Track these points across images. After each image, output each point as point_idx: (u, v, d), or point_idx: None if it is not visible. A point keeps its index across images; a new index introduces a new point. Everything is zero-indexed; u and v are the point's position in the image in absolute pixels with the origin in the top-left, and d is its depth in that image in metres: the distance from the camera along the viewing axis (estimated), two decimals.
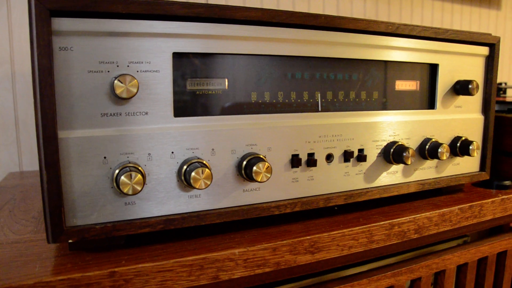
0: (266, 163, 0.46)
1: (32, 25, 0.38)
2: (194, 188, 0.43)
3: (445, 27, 1.31)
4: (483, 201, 0.63)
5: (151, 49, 0.43)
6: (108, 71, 0.41)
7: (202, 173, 0.43)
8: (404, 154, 0.54)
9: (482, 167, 0.66)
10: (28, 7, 0.39)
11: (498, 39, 0.64)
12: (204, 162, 0.44)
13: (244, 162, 0.46)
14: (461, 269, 0.70)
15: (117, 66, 0.42)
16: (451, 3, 1.30)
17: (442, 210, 0.59)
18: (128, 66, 0.42)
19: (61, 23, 0.39)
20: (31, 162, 0.88)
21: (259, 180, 0.45)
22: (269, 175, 0.46)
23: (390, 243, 0.55)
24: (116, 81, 0.40)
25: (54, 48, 0.39)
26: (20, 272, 0.40)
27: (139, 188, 0.41)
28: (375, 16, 1.19)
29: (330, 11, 1.13)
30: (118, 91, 0.40)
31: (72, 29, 0.40)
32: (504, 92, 1.09)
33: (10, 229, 0.51)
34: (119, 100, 0.42)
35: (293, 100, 0.51)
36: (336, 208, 0.58)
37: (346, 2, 1.14)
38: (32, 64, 0.39)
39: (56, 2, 0.38)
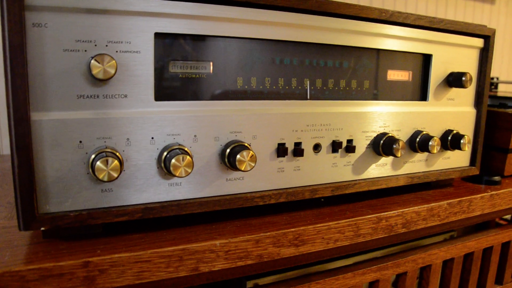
0: (251, 152, 0.44)
1: None
2: (174, 176, 0.41)
3: None
4: (472, 197, 0.62)
5: (132, 29, 0.41)
6: (85, 51, 0.39)
7: (183, 160, 0.41)
8: (394, 146, 0.53)
9: (473, 161, 0.65)
10: None
11: (493, 31, 0.62)
12: (186, 149, 0.42)
13: (228, 150, 0.44)
14: (447, 264, 0.70)
15: (95, 45, 0.39)
16: None
17: (431, 204, 0.58)
18: (106, 45, 0.40)
19: None
20: None
21: (242, 169, 0.43)
22: (253, 164, 0.44)
23: (377, 237, 0.54)
24: (93, 61, 0.38)
25: (26, 24, 0.37)
26: None
27: (115, 175, 0.39)
28: (369, 4, 1.17)
29: None
30: (94, 72, 0.38)
31: (46, 4, 0.37)
32: (496, 87, 1.08)
33: None
34: (96, 81, 0.40)
35: (280, 87, 0.49)
36: (322, 199, 0.57)
37: None
38: (3, 41, 0.37)
39: None
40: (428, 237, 0.71)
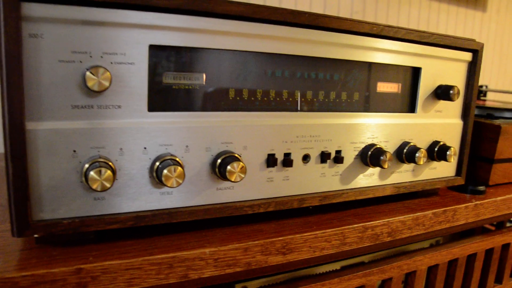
0: (241, 163, 0.45)
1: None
2: (166, 186, 0.42)
3: (432, 26, 1.31)
4: (457, 206, 0.64)
5: (127, 40, 0.41)
6: (81, 61, 0.40)
7: (174, 171, 0.42)
8: (382, 157, 0.54)
9: (458, 172, 0.67)
10: None
11: (481, 46, 0.63)
12: (177, 159, 0.43)
13: (219, 161, 0.46)
14: (432, 270, 0.71)
15: (90, 56, 0.40)
16: (438, 2, 1.30)
17: (416, 214, 0.59)
18: (101, 57, 0.41)
19: (31, 8, 0.37)
20: (1, 143, 0.85)
21: (232, 180, 0.44)
22: (243, 175, 0.45)
23: (363, 245, 0.56)
24: (88, 73, 0.38)
25: (23, 34, 0.37)
26: None
27: (108, 185, 0.39)
28: (362, 11, 1.18)
29: (317, 5, 1.12)
30: (89, 84, 0.38)
31: (43, 15, 0.38)
32: (485, 95, 1.10)
33: None
34: (91, 92, 0.40)
35: (272, 99, 0.50)
36: (310, 207, 0.58)
37: None
38: None
39: None
40: (413, 242, 0.73)
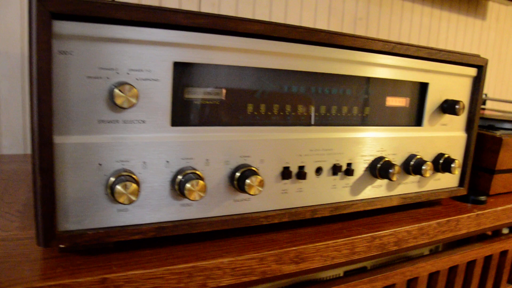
0: (259, 177, 0.46)
1: (32, 27, 0.37)
2: (189, 199, 0.43)
3: (433, 33, 1.34)
4: (460, 216, 0.66)
5: (152, 58, 0.43)
6: (108, 78, 0.41)
7: (197, 185, 0.43)
8: (391, 170, 0.56)
9: (461, 183, 0.69)
10: (28, 9, 0.38)
11: (486, 61, 0.65)
12: (198, 173, 0.45)
13: (237, 174, 0.47)
14: (433, 276, 0.74)
15: (117, 73, 0.41)
16: (440, 10, 1.32)
17: (421, 224, 0.61)
18: (128, 73, 0.42)
19: (62, 27, 0.38)
20: (11, 144, 0.86)
21: (251, 193, 0.46)
22: (261, 189, 0.47)
23: (371, 254, 0.58)
24: (116, 90, 0.40)
25: (53, 51, 0.39)
26: (10, 275, 0.39)
27: (134, 198, 0.41)
28: (366, 18, 1.20)
29: (322, 11, 1.13)
30: (118, 101, 0.40)
31: (73, 33, 0.39)
32: (484, 103, 1.12)
33: None
34: (117, 107, 0.42)
35: (287, 113, 0.52)
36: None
37: (338, 3, 1.15)
38: (30, 66, 0.38)
39: (58, 4, 0.38)
40: (414, 249, 0.75)
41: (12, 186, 0.65)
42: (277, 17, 1.07)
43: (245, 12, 1.03)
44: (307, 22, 1.11)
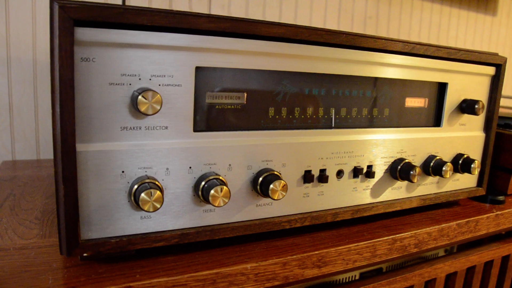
0: (282, 181, 0.46)
1: (54, 34, 0.37)
2: (213, 205, 0.43)
3: (443, 30, 1.32)
4: (479, 217, 0.65)
5: (174, 63, 0.42)
6: (130, 84, 0.41)
7: (221, 191, 0.43)
8: (412, 172, 0.55)
9: (480, 183, 0.68)
10: (50, 16, 0.37)
11: (505, 60, 0.65)
12: (221, 178, 0.44)
13: (260, 179, 0.47)
14: (450, 277, 0.73)
15: (139, 79, 0.41)
16: (449, 7, 1.31)
17: (441, 225, 0.61)
18: (150, 79, 0.41)
19: (84, 33, 0.38)
20: (24, 149, 0.85)
21: (275, 198, 0.45)
22: (284, 193, 0.46)
23: (392, 257, 0.57)
24: (140, 97, 0.39)
25: (75, 59, 0.38)
26: (33, 284, 0.39)
27: (158, 206, 0.40)
28: (376, 16, 1.19)
29: (332, 10, 1.12)
30: (142, 108, 0.39)
31: (94, 40, 0.38)
32: None
33: (15, 232, 0.50)
34: (139, 114, 0.41)
35: (308, 116, 0.51)
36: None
37: (348, 2, 1.14)
38: (52, 74, 0.38)
39: (80, 11, 0.37)
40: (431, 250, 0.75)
41: (29, 192, 0.65)
42: (287, 18, 1.06)
43: (255, 14, 1.02)
44: (317, 22, 1.11)
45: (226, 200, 0.43)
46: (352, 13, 1.15)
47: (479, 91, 0.65)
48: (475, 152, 0.67)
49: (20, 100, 0.83)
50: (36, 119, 0.85)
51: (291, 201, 0.51)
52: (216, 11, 0.98)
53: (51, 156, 0.85)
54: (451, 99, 0.62)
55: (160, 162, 0.43)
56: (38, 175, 0.74)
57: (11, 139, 0.84)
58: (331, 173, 0.53)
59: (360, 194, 0.56)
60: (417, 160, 0.60)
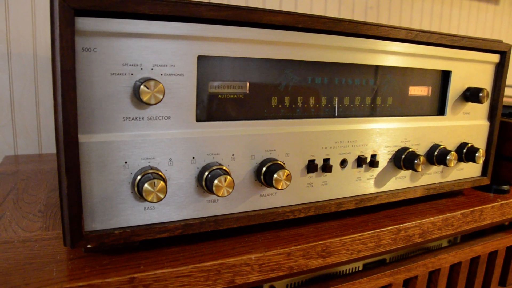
0: (286, 171, 0.45)
1: (55, 24, 0.36)
2: (217, 196, 0.42)
3: (444, 19, 1.31)
4: (483, 206, 0.65)
5: (176, 52, 0.42)
6: (132, 74, 0.40)
7: (225, 181, 0.42)
8: (416, 161, 0.55)
9: (484, 172, 0.68)
10: (50, 6, 0.37)
11: (509, 47, 0.64)
12: (225, 168, 0.44)
13: (264, 168, 0.46)
14: (454, 267, 0.73)
15: (141, 69, 0.40)
16: None
17: (446, 215, 0.61)
18: (152, 69, 0.41)
19: (85, 23, 0.38)
20: (26, 144, 0.85)
21: (279, 187, 0.45)
22: (288, 183, 0.46)
23: (396, 247, 0.57)
24: (142, 87, 0.39)
25: (77, 49, 0.38)
26: (38, 276, 0.39)
27: (162, 196, 0.40)
28: (377, 6, 1.18)
29: (332, 1, 1.12)
30: (145, 98, 0.39)
31: (96, 30, 0.38)
32: None
33: (18, 225, 0.50)
34: (142, 104, 0.41)
35: (311, 105, 0.51)
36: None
37: None
38: (53, 65, 0.38)
39: (81, 1, 0.37)
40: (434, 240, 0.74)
41: (32, 186, 0.65)
42: (287, 8, 1.06)
43: (255, 3, 1.01)
44: (318, 12, 1.10)
45: (230, 190, 0.43)
46: (353, 3, 1.14)
47: (483, 79, 0.64)
48: (479, 141, 0.66)
49: (21, 95, 0.83)
50: (37, 114, 0.85)
51: (295, 191, 0.50)
52: (234, 1, 0.98)
53: (53, 151, 0.85)
54: (455, 88, 0.62)
55: (163, 152, 0.42)
56: (40, 169, 0.74)
57: (13, 134, 0.84)
58: (334, 163, 0.52)
59: (364, 184, 0.56)
60: (421, 149, 0.60)
